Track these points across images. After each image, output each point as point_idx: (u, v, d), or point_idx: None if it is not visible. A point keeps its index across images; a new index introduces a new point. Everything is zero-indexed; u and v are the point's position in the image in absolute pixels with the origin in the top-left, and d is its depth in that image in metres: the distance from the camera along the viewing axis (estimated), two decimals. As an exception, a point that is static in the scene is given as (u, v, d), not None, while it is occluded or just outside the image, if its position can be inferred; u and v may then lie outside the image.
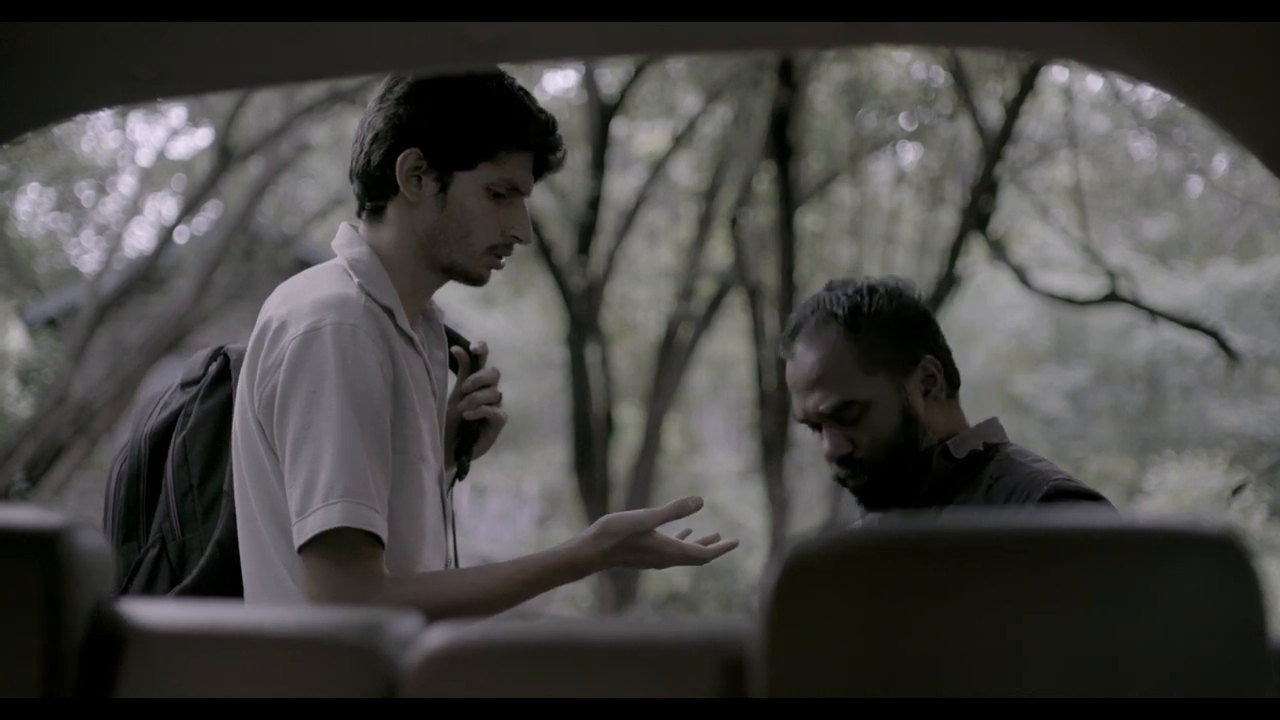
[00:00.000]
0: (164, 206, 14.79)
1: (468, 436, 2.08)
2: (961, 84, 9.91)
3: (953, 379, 2.03)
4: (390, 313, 1.88)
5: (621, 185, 13.39)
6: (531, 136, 1.89)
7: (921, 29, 1.24)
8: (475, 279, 1.95)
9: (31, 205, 14.20)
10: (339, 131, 12.16)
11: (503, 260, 1.95)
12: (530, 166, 1.90)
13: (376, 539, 1.75)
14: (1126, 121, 11.51)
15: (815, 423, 1.99)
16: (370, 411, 1.78)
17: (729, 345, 15.51)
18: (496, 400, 2.07)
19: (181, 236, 10.78)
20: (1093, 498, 1.87)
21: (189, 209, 10.01)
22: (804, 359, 1.98)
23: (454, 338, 2.09)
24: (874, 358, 1.97)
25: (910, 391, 1.98)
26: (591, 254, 11.40)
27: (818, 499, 13.17)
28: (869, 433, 1.95)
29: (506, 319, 19.21)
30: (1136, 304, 10.31)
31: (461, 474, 2.07)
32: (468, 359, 2.09)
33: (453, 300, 18.05)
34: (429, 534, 1.90)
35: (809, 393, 1.97)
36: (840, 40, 1.37)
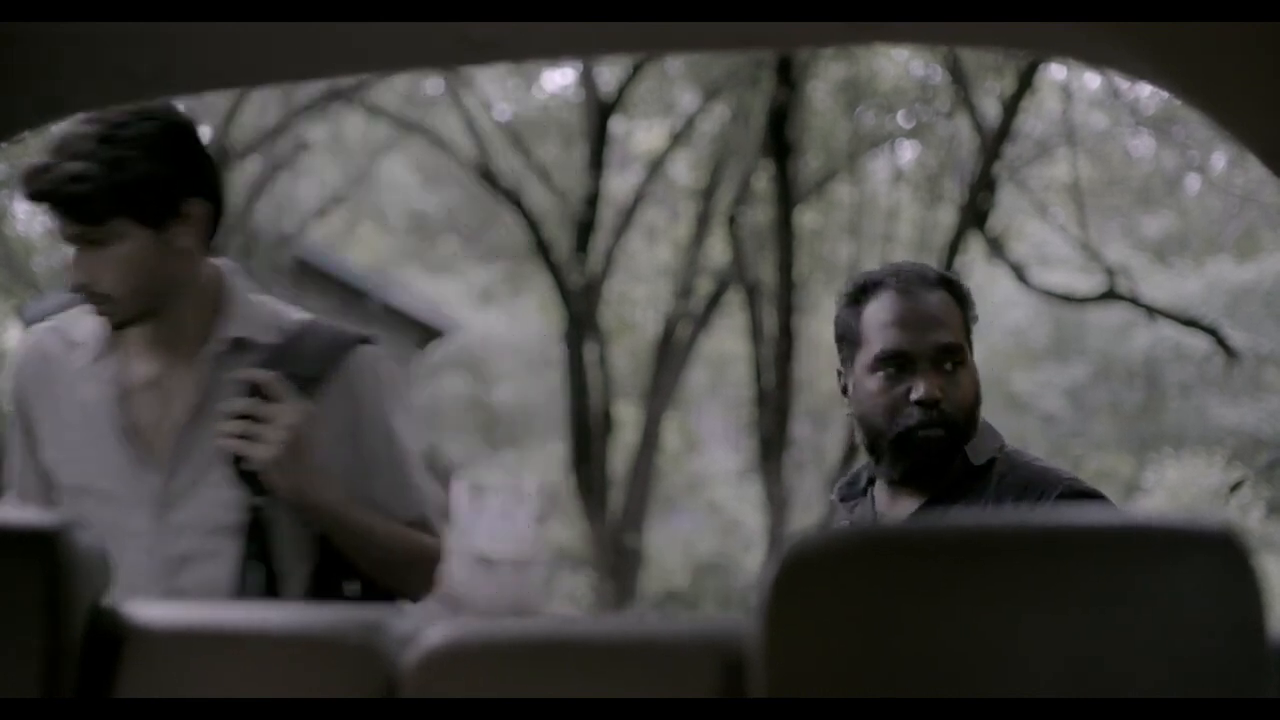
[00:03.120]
0: (162, 205, 14.77)
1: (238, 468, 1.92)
2: (960, 82, 9.91)
3: None
4: (73, 343, 2.05)
5: (620, 183, 13.40)
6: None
7: (921, 28, 1.24)
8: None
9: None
10: (337, 130, 12.17)
11: (99, 308, 1.99)
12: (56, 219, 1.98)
13: None
14: (1125, 119, 11.51)
15: (921, 361, 1.97)
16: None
17: (727, 343, 15.51)
18: (258, 435, 1.90)
19: (180, 235, 10.76)
20: (1102, 500, 1.89)
21: (187, 208, 9.98)
22: (929, 298, 2.01)
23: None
24: (967, 328, 2.03)
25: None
26: (590, 252, 11.41)
27: (816, 497, 13.17)
28: (960, 388, 1.97)
29: (505, 317, 19.21)
30: (1135, 301, 10.31)
31: (255, 509, 1.94)
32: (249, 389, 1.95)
33: (451, 299, 18.06)
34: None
35: (930, 329, 1.98)
36: (839, 39, 1.37)
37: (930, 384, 1.96)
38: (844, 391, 2.07)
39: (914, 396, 1.96)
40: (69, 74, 1.34)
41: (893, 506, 2.04)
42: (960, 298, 2.04)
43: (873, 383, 1.99)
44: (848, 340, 2.05)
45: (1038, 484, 1.92)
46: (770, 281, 10.94)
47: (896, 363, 1.98)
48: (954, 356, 1.98)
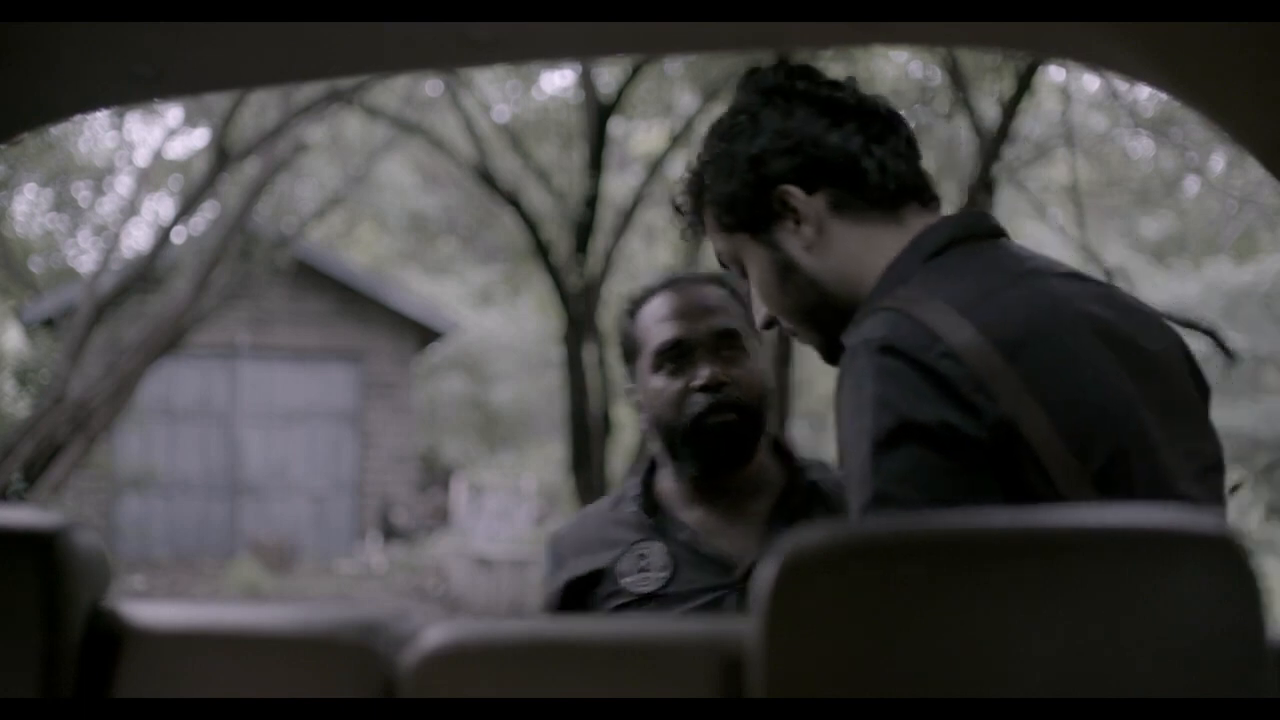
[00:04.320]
0: (161, 206, 14.79)
1: None
2: (959, 83, 9.91)
3: None
4: None
5: (619, 184, 13.40)
6: None
7: (920, 28, 1.25)
8: None
9: (29, 205, 14.20)
10: (336, 132, 12.16)
11: None
12: None
13: None
14: (1124, 121, 11.51)
15: (700, 349, 1.96)
16: None
17: (726, 345, 15.50)
18: None
19: (179, 236, 10.77)
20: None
21: (186, 209, 9.99)
22: (702, 290, 2.01)
23: None
24: (749, 321, 1.98)
25: None
26: (589, 253, 11.40)
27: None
28: (745, 373, 1.96)
29: (504, 318, 19.20)
30: (1134, 303, 10.28)
31: None
32: None
33: (450, 300, 18.06)
34: None
35: (705, 316, 1.98)
36: (839, 39, 1.37)
37: (712, 369, 1.93)
38: (638, 408, 2.03)
39: (696, 383, 1.93)
40: (69, 75, 1.34)
41: (717, 512, 1.97)
42: (736, 295, 2.00)
43: (656, 381, 1.96)
44: (629, 351, 2.03)
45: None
46: (769, 283, 10.93)
47: (675, 354, 1.95)
48: (733, 342, 1.95)
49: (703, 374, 1.93)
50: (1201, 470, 1.44)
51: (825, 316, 1.55)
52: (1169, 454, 1.39)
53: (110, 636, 1.19)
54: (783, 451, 2.05)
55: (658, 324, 1.98)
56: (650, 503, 2.00)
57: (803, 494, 1.98)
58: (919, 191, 1.58)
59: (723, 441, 1.93)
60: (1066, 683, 0.93)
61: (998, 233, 1.54)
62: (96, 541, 1.22)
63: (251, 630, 1.21)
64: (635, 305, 2.04)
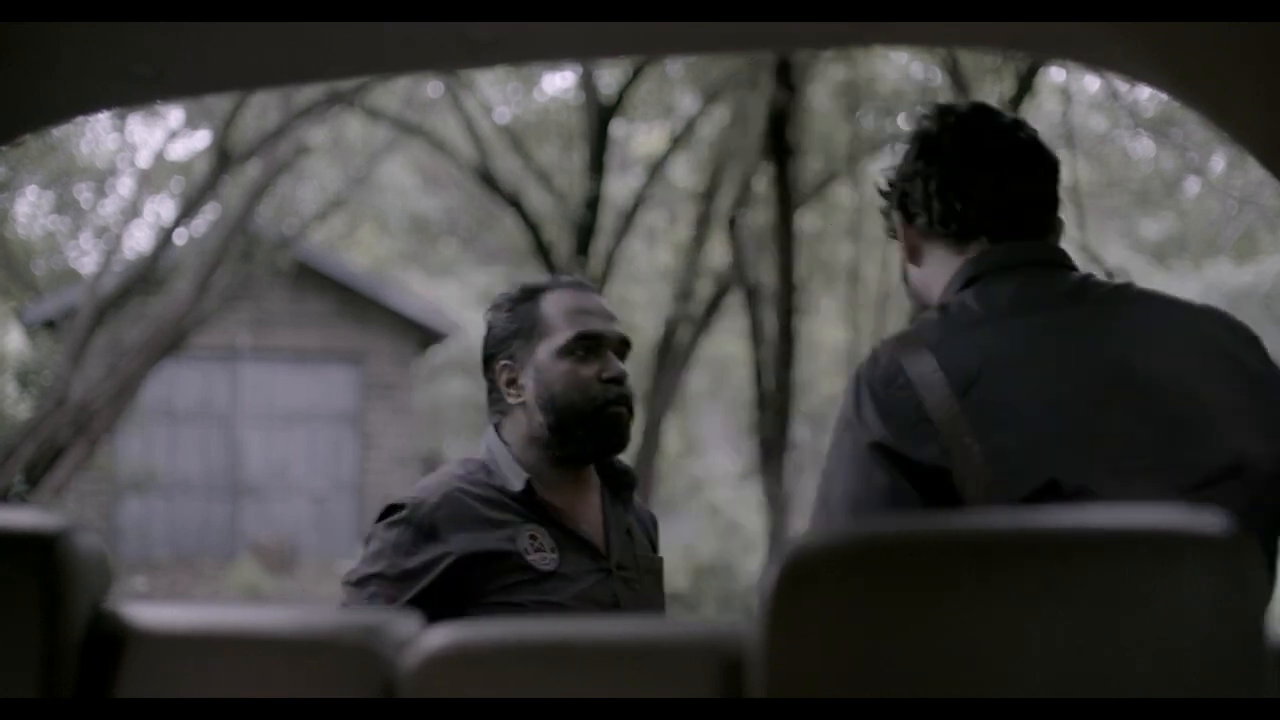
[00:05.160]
0: (163, 208, 14.79)
1: None
2: (959, 85, 9.91)
3: None
4: None
5: (620, 186, 13.39)
6: None
7: (921, 29, 1.25)
8: None
9: (30, 207, 14.20)
10: (337, 133, 12.16)
11: None
12: None
13: None
14: (1124, 121, 11.51)
15: (607, 346, 2.18)
16: None
17: (727, 346, 15.51)
18: None
19: (180, 238, 10.77)
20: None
21: (187, 211, 10.00)
22: (601, 298, 2.25)
23: None
24: None
25: None
26: (590, 255, 11.40)
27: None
28: (627, 377, 2.20)
29: (505, 320, 19.11)
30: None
31: None
32: None
33: (451, 301, 18.06)
34: None
35: (613, 320, 2.21)
36: (839, 40, 1.38)
37: (616, 365, 2.17)
38: (510, 384, 2.21)
39: (605, 375, 2.15)
40: (69, 76, 1.34)
41: (571, 499, 2.18)
42: None
43: (564, 365, 2.16)
44: (524, 333, 2.20)
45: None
46: (770, 284, 10.94)
47: (586, 345, 2.16)
48: (627, 350, 2.20)
49: (615, 368, 2.16)
50: (1203, 481, 1.54)
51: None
52: (1140, 471, 1.54)
53: (111, 638, 1.19)
54: None
55: (576, 314, 2.19)
56: (531, 486, 2.14)
57: (618, 482, 2.25)
58: (987, 226, 1.78)
59: (617, 429, 2.16)
60: (1067, 683, 0.93)
61: (1035, 262, 1.74)
62: (97, 543, 1.22)
63: (252, 632, 1.21)
64: (532, 293, 2.23)
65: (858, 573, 0.97)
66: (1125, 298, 1.70)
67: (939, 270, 1.80)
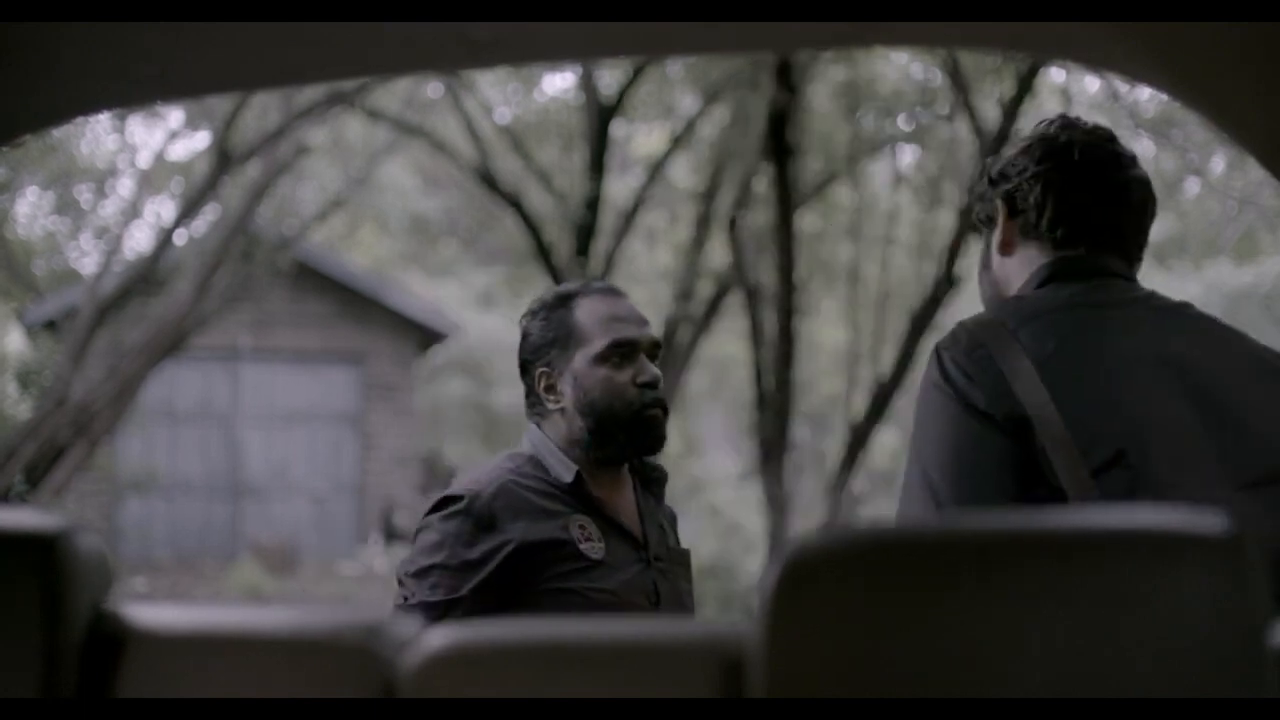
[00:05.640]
0: (163, 209, 14.80)
1: None
2: (959, 85, 9.91)
3: None
4: None
5: (620, 187, 13.39)
6: None
7: (920, 29, 1.24)
8: None
9: (31, 207, 14.20)
10: (337, 134, 12.16)
11: None
12: None
13: None
14: (1124, 122, 11.52)
15: (641, 351, 2.25)
16: None
17: (728, 346, 15.51)
18: None
19: (180, 239, 10.78)
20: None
21: (188, 211, 10.01)
22: (631, 302, 2.31)
23: None
24: None
25: None
26: (590, 255, 11.40)
27: (817, 500, 13.16)
28: (661, 380, 2.28)
29: (505, 320, 19.17)
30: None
31: None
32: None
33: (452, 302, 18.06)
34: None
35: (645, 325, 2.28)
36: (839, 40, 1.37)
37: (651, 370, 2.24)
38: (548, 390, 2.27)
39: (641, 379, 2.23)
40: (69, 77, 1.34)
41: (611, 493, 2.27)
42: None
43: (601, 371, 2.23)
44: (560, 341, 2.26)
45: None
46: (770, 284, 10.93)
47: (623, 351, 2.23)
48: (659, 352, 2.28)
49: (649, 372, 2.24)
50: (1254, 481, 1.64)
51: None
52: (1198, 462, 1.65)
53: (111, 639, 1.19)
54: None
55: (610, 322, 2.25)
56: (581, 478, 2.22)
57: (650, 477, 2.34)
58: (1089, 240, 1.88)
59: (654, 431, 2.24)
60: (1067, 683, 0.93)
61: (1110, 272, 1.86)
62: (98, 544, 1.22)
63: (253, 632, 1.21)
64: (564, 300, 2.29)
65: (858, 573, 0.97)
66: (1186, 311, 1.83)
67: (1024, 266, 1.90)
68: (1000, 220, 1.93)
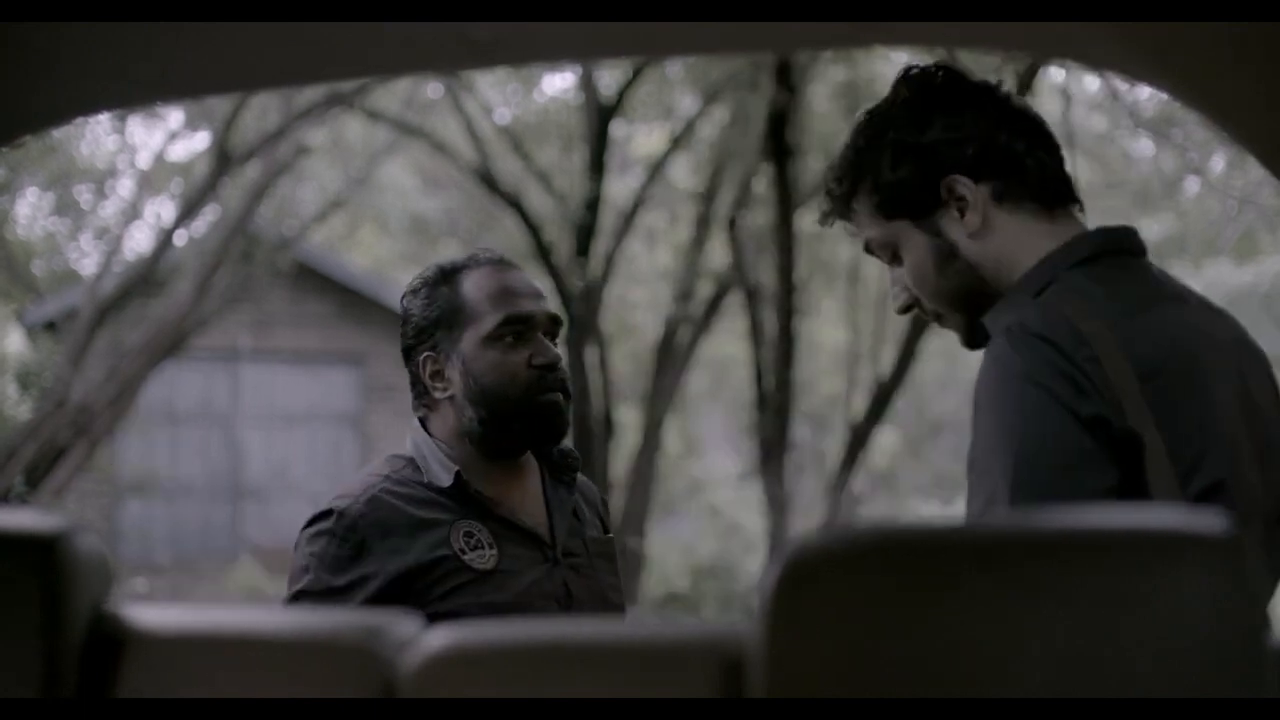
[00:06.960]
0: (163, 209, 14.78)
1: None
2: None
3: None
4: None
5: (620, 187, 13.39)
6: None
7: (920, 28, 1.24)
8: None
9: (30, 208, 14.20)
10: (337, 135, 12.16)
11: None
12: None
13: None
14: (1124, 122, 11.51)
15: (537, 328, 2.05)
16: None
17: (728, 346, 15.49)
18: None
19: (180, 239, 10.77)
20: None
21: (188, 212, 10.00)
22: (523, 273, 2.10)
23: None
24: None
25: None
26: (590, 256, 11.39)
27: (817, 500, 13.16)
28: (560, 358, 2.06)
29: (505, 321, 19.11)
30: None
31: None
32: None
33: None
34: None
35: (539, 299, 2.07)
36: (839, 39, 1.37)
37: (552, 349, 2.01)
38: (435, 377, 2.04)
39: (537, 361, 1.99)
40: (69, 77, 1.34)
41: (507, 490, 2.03)
42: None
43: (492, 353, 2.00)
44: (445, 321, 2.03)
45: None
46: (770, 284, 10.94)
47: (516, 330, 2.00)
48: (558, 328, 2.04)
49: (547, 352, 2.00)
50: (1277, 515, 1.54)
51: (977, 301, 1.65)
52: (1258, 490, 1.51)
53: (112, 640, 1.19)
54: None
55: (501, 296, 2.02)
56: (461, 480, 2.00)
57: (558, 464, 2.09)
58: (1070, 194, 1.66)
59: (553, 418, 2.01)
60: (1067, 683, 0.92)
61: (1142, 251, 1.63)
62: (98, 545, 1.22)
63: (253, 633, 1.21)
64: (453, 272, 2.07)
65: (858, 573, 0.97)
66: (1230, 318, 1.63)
67: (1019, 241, 1.61)
68: (969, 195, 1.61)
